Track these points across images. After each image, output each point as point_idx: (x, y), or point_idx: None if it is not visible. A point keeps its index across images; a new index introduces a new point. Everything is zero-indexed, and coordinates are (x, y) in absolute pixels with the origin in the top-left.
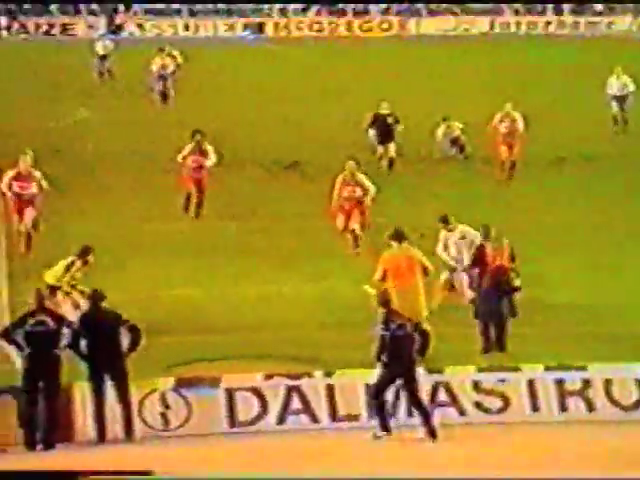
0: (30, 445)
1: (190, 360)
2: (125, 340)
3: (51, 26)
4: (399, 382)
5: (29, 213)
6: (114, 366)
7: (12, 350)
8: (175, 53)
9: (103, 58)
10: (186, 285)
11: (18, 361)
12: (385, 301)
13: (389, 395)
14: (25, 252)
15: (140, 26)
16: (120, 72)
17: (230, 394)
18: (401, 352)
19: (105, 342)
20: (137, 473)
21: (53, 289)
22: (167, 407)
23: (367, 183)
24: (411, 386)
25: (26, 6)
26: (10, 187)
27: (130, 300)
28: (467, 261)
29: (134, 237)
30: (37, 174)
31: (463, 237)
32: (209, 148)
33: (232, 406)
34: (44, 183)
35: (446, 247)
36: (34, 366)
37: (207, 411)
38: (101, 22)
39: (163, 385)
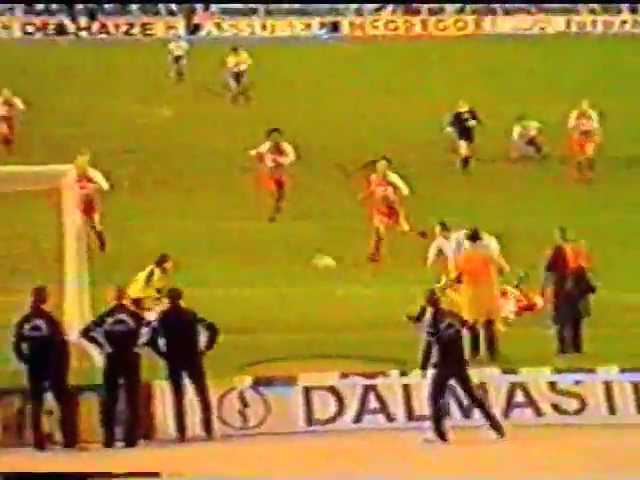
0: (110, 443)
1: (266, 359)
2: (202, 338)
3: (131, 26)
4: (453, 383)
5: (93, 213)
6: (192, 364)
7: (93, 348)
8: (244, 54)
9: (178, 58)
10: (263, 284)
11: (99, 359)
12: (433, 300)
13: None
14: (100, 250)
15: (218, 26)
16: (196, 72)
17: (307, 393)
18: (451, 352)
19: (183, 340)
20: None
21: (137, 301)
22: (245, 405)
23: (399, 183)
24: (466, 385)
25: (107, 6)
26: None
27: (207, 299)
28: None
29: (212, 236)
30: (96, 174)
31: (458, 244)
32: (287, 146)
33: (309, 405)
34: (104, 184)
35: (439, 253)
36: (114, 364)
37: (284, 410)
38: (180, 22)
39: (241, 383)
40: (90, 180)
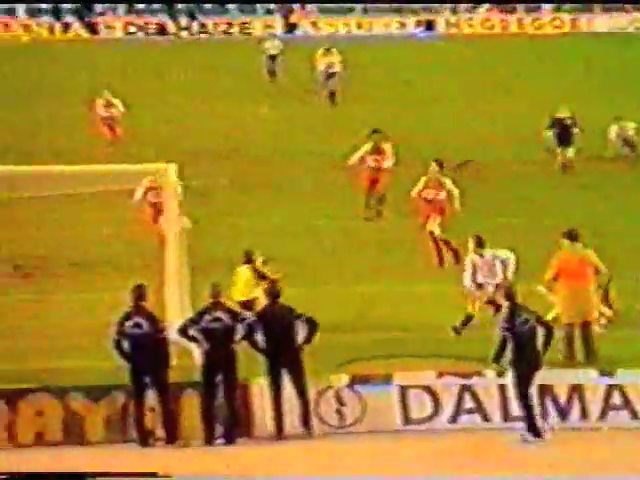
0: (210, 440)
1: (363, 357)
2: (301, 333)
3: (229, 25)
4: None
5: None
6: (291, 360)
7: (193, 346)
8: (337, 55)
9: (273, 57)
10: (360, 282)
11: (198, 356)
12: (509, 295)
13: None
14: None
15: (314, 24)
16: (291, 71)
17: (403, 392)
18: (526, 348)
19: (282, 336)
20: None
21: (247, 304)
22: (342, 404)
23: (450, 186)
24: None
25: (206, 6)
26: (145, 197)
27: (304, 297)
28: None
29: (310, 234)
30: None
31: (494, 259)
32: (387, 147)
33: (405, 404)
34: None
35: (474, 271)
36: (211, 362)
37: (381, 408)
38: (277, 21)
39: (337, 382)
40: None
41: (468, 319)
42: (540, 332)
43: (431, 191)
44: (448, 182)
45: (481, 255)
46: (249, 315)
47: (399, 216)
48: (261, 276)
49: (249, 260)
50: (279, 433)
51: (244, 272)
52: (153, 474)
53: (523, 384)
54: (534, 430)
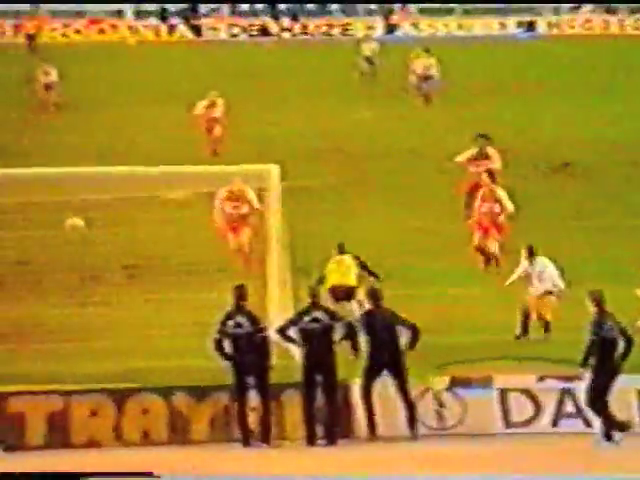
0: (311, 440)
1: (462, 360)
2: (403, 339)
3: (330, 27)
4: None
5: (244, 232)
6: (394, 364)
7: (292, 346)
8: (433, 57)
9: (369, 58)
10: (456, 284)
11: (298, 356)
12: (597, 301)
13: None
14: (245, 269)
15: (415, 25)
16: (390, 72)
17: (503, 395)
18: (609, 355)
19: (384, 340)
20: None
21: (339, 291)
22: (442, 406)
23: (505, 200)
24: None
25: (309, 7)
26: (223, 207)
27: (402, 297)
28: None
29: (409, 236)
30: (250, 193)
31: (544, 269)
32: (492, 152)
33: (506, 407)
34: (255, 203)
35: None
36: (311, 362)
37: (481, 411)
38: (378, 22)
39: (437, 384)
40: (245, 199)
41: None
42: (621, 343)
43: (487, 204)
44: (502, 195)
45: (530, 262)
46: (350, 315)
47: None
48: (363, 266)
49: (342, 252)
50: (372, 434)
51: (346, 260)
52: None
53: (602, 390)
54: (609, 436)
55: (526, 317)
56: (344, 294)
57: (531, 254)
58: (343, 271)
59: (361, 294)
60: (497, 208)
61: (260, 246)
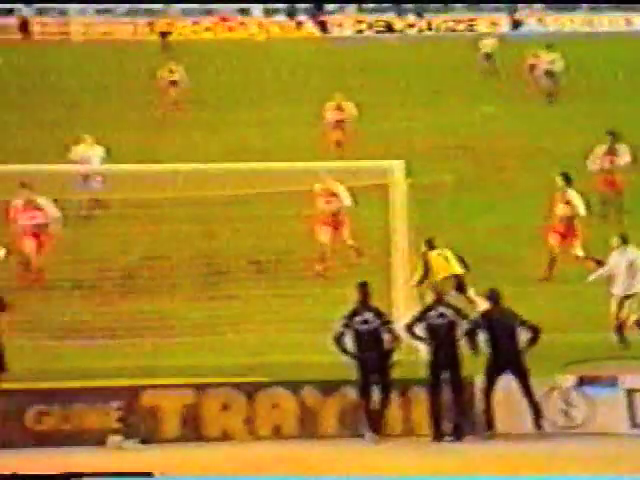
0: (438, 436)
1: (588, 358)
2: (523, 338)
3: (455, 23)
4: None
5: (340, 229)
6: (514, 362)
7: (418, 342)
8: (557, 53)
9: (488, 55)
10: (576, 282)
11: (425, 353)
12: None
13: None
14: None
15: (540, 21)
16: (512, 68)
17: (630, 395)
18: None
19: (504, 340)
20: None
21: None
22: (569, 404)
23: (576, 201)
24: None
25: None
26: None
27: (521, 295)
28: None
29: (528, 233)
30: (341, 190)
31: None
32: (622, 148)
33: (632, 407)
34: (347, 200)
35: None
36: (437, 358)
37: (608, 411)
38: (503, 18)
39: (564, 382)
40: (334, 195)
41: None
42: None
43: (560, 206)
44: (573, 196)
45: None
46: (473, 313)
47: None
48: (461, 260)
49: (431, 247)
50: (490, 431)
51: (446, 251)
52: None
53: None
54: None
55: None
56: (454, 285)
57: (623, 241)
58: (448, 262)
59: (472, 290)
60: (569, 210)
61: (356, 243)
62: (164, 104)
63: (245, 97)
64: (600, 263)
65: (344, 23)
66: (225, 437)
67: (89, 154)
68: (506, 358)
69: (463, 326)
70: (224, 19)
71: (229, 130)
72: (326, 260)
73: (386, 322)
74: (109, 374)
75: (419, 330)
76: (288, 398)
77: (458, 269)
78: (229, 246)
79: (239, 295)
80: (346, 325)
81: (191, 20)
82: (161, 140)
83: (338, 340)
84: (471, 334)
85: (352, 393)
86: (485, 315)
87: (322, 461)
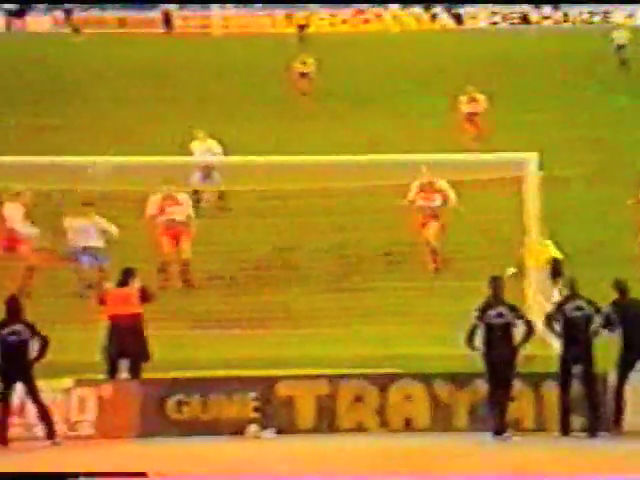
0: (565, 430)
1: None
2: None
3: (591, 14)
4: None
5: (433, 226)
6: None
7: (552, 336)
8: None
9: (621, 47)
10: None
11: (557, 347)
12: None
13: None
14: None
15: None
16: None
17: None
18: None
19: (637, 330)
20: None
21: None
22: None
23: (446, 188)
24: None
25: None
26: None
27: None
28: None
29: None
30: (444, 185)
31: None
32: None
33: None
34: (452, 196)
35: None
36: (570, 352)
37: None
38: (638, 10)
39: None
40: (437, 191)
41: None
42: None
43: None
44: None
45: None
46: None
47: None
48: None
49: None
50: (617, 427)
51: (549, 244)
52: None
53: None
54: None
55: None
56: (556, 270)
57: None
58: (549, 248)
59: (559, 282)
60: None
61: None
62: (293, 96)
63: (378, 89)
64: None
65: (478, 15)
66: (358, 429)
67: (203, 149)
68: (639, 350)
69: (597, 320)
70: (360, 12)
71: (362, 123)
72: (437, 257)
73: (520, 316)
74: (245, 364)
75: (556, 325)
76: (419, 390)
77: (558, 254)
78: (359, 238)
79: (370, 287)
80: (479, 318)
81: (328, 12)
82: (291, 131)
83: (471, 334)
84: (608, 327)
85: (483, 386)
86: (616, 305)
87: (453, 455)
